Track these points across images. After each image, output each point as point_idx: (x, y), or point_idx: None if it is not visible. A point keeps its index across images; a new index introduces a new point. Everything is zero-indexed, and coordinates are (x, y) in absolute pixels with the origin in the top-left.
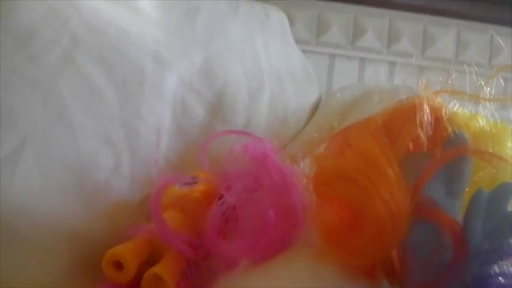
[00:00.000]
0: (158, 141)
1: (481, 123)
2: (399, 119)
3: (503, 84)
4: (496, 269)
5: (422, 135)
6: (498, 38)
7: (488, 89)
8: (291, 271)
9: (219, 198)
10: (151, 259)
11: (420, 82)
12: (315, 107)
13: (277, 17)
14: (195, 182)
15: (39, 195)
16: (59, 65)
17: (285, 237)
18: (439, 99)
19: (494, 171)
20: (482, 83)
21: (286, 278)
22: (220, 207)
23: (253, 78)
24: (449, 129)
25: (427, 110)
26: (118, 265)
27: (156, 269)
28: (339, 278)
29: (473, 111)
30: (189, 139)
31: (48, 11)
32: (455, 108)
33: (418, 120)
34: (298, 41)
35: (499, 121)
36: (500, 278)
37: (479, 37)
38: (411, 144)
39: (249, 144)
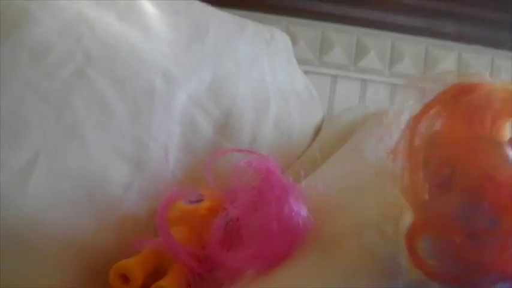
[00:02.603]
0: (167, 157)
1: None
2: None
3: None
4: None
5: None
6: (499, 59)
7: None
8: (294, 278)
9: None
10: (157, 272)
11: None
12: (318, 128)
13: (282, 38)
14: (202, 200)
15: (51, 208)
16: (72, 80)
17: (287, 246)
18: None
19: None
20: None
21: (290, 285)
22: (224, 218)
23: (259, 98)
24: None
25: None
26: (125, 278)
27: (162, 282)
28: (342, 282)
29: None
30: (197, 155)
31: (63, 28)
32: None
33: None
34: (301, 61)
35: None
36: None
37: (480, 59)
38: None
39: (253, 160)
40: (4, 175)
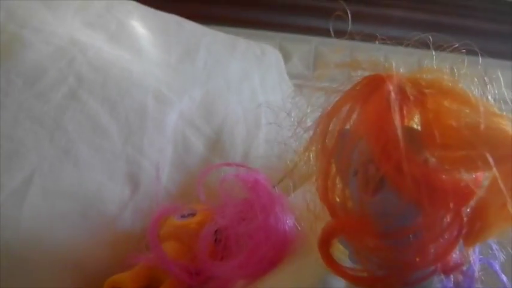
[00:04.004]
0: (159, 176)
1: None
2: None
3: None
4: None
5: None
6: (492, 70)
7: None
8: (281, 286)
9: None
10: (151, 287)
11: None
12: None
13: (273, 54)
14: (193, 214)
15: (46, 226)
16: (65, 102)
17: (275, 255)
18: None
19: None
20: None
21: None
22: (212, 227)
23: (251, 114)
24: None
25: None
26: None
27: None
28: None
29: None
30: (189, 172)
31: (55, 52)
32: None
33: None
34: (294, 76)
35: None
36: None
37: (472, 69)
38: None
39: (241, 172)
40: (0, 196)
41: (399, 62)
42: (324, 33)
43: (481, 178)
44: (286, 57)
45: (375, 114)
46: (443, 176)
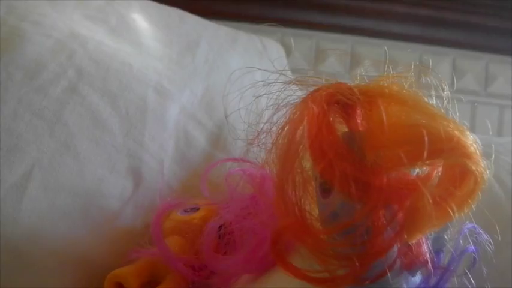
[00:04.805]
0: (162, 170)
1: None
2: None
3: None
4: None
5: None
6: (494, 65)
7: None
8: (287, 281)
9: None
10: (153, 281)
11: None
12: None
13: (275, 49)
14: (197, 209)
15: (46, 221)
16: (65, 96)
17: None
18: None
19: None
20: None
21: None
22: (217, 222)
23: (252, 109)
24: None
25: None
26: (120, 286)
27: None
28: None
29: None
30: (192, 167)
31: (55, 46)
32: None
33: None
34: (296, 71)
35: None
36: None
37: (475, 65)
38: None
39: (248, 168)
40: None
41: (401, 57)
42: (326, 28)
43: (433, 175)
44: (288, 52)
45: (312, 127)
46: (385, 174)
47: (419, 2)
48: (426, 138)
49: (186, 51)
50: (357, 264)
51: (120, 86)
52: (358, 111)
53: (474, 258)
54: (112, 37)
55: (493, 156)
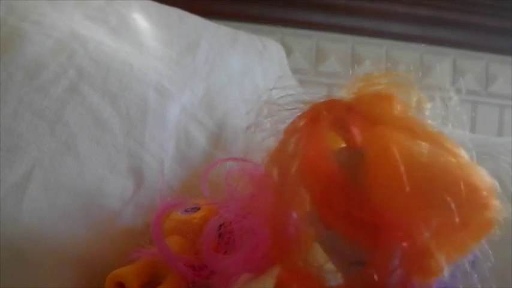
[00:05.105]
0: (162, 169)
1: None
2: None
3: None
4: None
5: None
6: (494, 65)
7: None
8: None
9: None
10: (153, 281)
11: None
12: None
13: (275, 49)
14: (197, 209)
15: (46, 221)
16: (65, 96)
17: None
18: None
19: None
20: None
21: None
22: (217, 221)
23: (253, 108)
24: None
25: None
26: (120, 286)
27: None
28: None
29: None
30: (192, 167)
31: (55, 46)
32: None
33: None
34: (296, 71)
35: None
36: None
37: (475, 65)
38: None
39: (247, 167)
40: (0, 190)
41: (401, 57)
42: (326, 28)
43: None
44: (288, 51)
45: (313, 156)
46: (387, 214)
47: (419, 2)
48: (453, 205)
49: (187, 51)
50: None
51: (120, 86)
52: (357, 131)
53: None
54: (112, 37)
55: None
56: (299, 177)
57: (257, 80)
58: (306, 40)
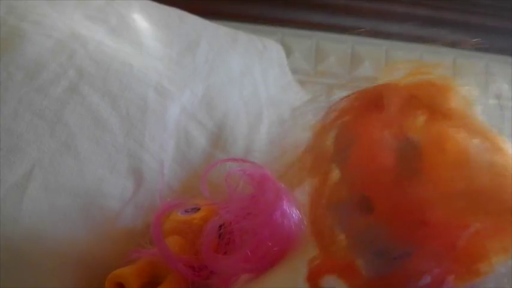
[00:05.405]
0: (162, 170)
1: None
2: None
3: None
4: None
5: None
6: (494, 65)
7: None
8: (285, 280)
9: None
10: (153, 281)
11: None
12: None
13: (275, 49)
14: (197, 209)
15: (46, 221)
16: (65, 96)
17: (279, 250)
18: None
19: None
20: None
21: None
22: (217, 221)
23: (252, 109)
24: None
25: None
26: (120, 287)
27: None
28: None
29: None
30: (192, 167)
31: (55, 46)
32: None
33: None
34: (296, 71)
35: None
36: None
37: (474, 65)
38: None
39: (247, 168)
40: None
41: (401, 57)
42: (326, 28)
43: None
44: (288, 52)
45: (369, 137)
46: (435, 209)
47: (418, 2)
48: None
49: (186, 51)
50: None
51: (120, 86)
52: (417, 120)
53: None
54: (112, 37)
55: None
56: (349, 159)
57: (257, 80)
58: (305, 40)
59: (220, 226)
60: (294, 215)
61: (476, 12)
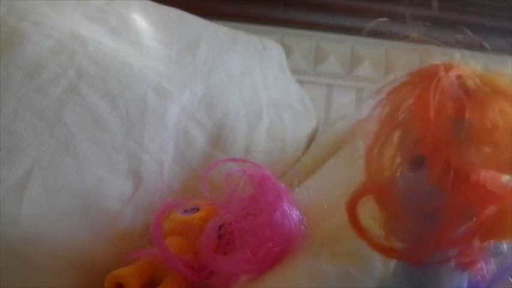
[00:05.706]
0: (162, 170)
1: None
2: None
3: None
4: None
5: None
6: (493, 65)
7: None
8: (286, 281)
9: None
10: (153, 282)
11: None
12: (312, 137)
13: (275, 49)
14: (197, 209)
15: (46, 221)
16: (65, 96)
17: (279, 250)
18: None
19: None
20: None
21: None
22: (217, 222)
23: (252, 109)
24: None
25: None
26: (120, 287)
27: None
28: (334, 282)
29: None
30: (192, 167)
31: (55, 46)
32: None
33: None
34: (296, 71)
35: None
36: None
37: (474, 65)
38: None
39: (247, 168)
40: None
41: (401, 57)
42: (326, 28)
43: None
44: (288, 52)
45: (427, 101)
46: (481, 172)
47: (418, 2)
48: None
49: (186, 51)
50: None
51: (120, 86)
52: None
53: None
54: (112, 37)
55: None
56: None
57: (257, 80)
58: (305, 40)
59: (220, 226)
60: (294, 215)
61: (476, 13)
